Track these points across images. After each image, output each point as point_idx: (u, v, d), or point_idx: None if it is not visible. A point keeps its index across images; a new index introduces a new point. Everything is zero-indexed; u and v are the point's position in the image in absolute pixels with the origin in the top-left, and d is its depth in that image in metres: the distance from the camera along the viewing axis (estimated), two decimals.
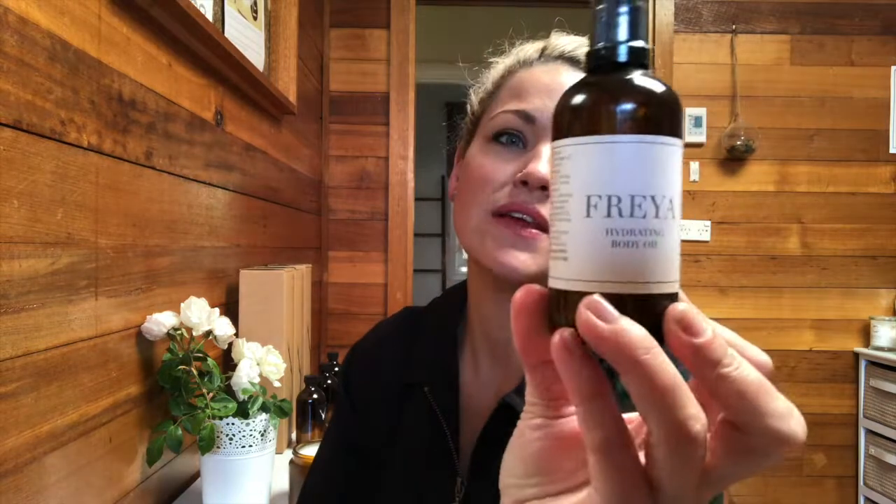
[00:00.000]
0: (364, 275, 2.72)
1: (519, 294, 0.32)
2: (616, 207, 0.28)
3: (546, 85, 0.65)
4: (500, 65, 0.71)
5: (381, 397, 0.76)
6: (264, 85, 1.62)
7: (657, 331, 0.28)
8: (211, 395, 1.11)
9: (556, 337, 0.29)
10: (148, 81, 1.08)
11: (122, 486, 1.03)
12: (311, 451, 1.17)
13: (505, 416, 0.65)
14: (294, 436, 1.56)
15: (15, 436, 0.76)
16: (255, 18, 1.73)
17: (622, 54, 0.30)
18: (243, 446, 1.13)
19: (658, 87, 0.30)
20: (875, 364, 2.66)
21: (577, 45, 0.68)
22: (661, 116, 0.29)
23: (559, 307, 0.30)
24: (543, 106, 0.64)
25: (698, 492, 0.29)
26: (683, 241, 2.74)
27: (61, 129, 0.84)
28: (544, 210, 0.61)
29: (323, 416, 1.53)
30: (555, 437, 0.33)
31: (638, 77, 0.30)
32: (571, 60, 0.67)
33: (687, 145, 2.76)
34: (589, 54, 0.31)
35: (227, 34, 1.48)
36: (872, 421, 2.66)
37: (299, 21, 2.00)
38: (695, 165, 2.77)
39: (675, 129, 0.29)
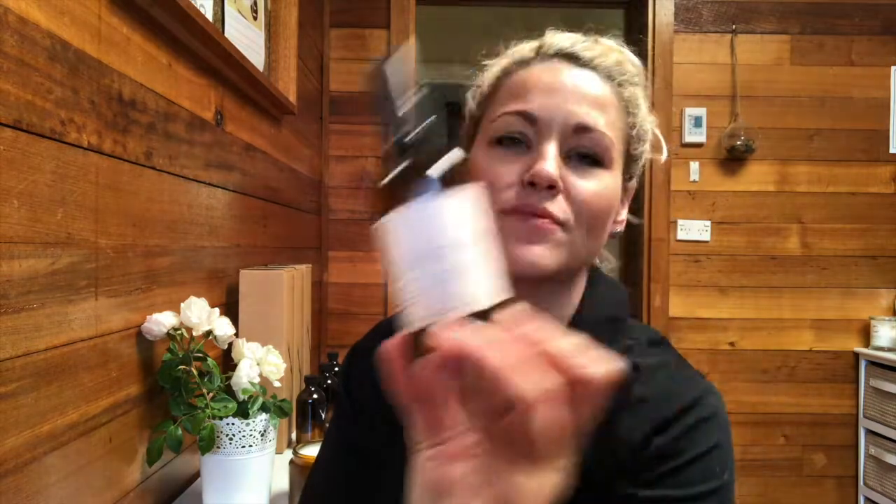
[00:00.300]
0: (364, 275, 2.71)
1: (386, 344, 0.40)
2: (430, 256, 0.36)
3: (546, 83, 0.65)
4: (496, 66, 0.70)
5: (381, 398, 0.76)
6: (264, 85, 1.62)
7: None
8: (211, 395, 1.11)
9: (420, 364, 0.37)
10: (148, 81, 1.08)
11: (122, 486, 1.03)
12: (311, 451, 1.17)
13: None
14: (294, 436, 1.56)
15: (15, 436, 0.76)
16: (255, 18, 1.73)
17: (406, 146, 0.39)
18: (243, 446, 1.13)
19: (439, 164, 0.38)
20: (875, 364, 2.66)
21: (573, 41, 0.67)
22: (442, 181, 0.37)
23: (419, 342, 0.38)
24: (545, 105, 0.63)
25: (561, 439, 0.36)
26: (684, 240, 2.76)
27: (61, 129, 0.84)
28: (554, 208, 0.61)
29: (323, 416, 1.53)
30: (446, 456, 0.38)
31: (425, 159, 0.39)
32: (569, 57, 0.66)
33: (687, 145, 2.76)
34: (383, 151, 0.41)
35: (227, 34, 1.48)
36: (872, 421, 2.66)
37: (299, 21, 2.00)
38: (695, 165, 2.77)
39: (452, 185, 0.38)
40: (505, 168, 0.63)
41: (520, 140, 0.64)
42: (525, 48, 0.69)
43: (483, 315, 0.36)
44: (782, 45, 2.77)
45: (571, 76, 0.65)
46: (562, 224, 0.62)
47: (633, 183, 0.72)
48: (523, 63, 0.68)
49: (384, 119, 0.39)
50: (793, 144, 2.78)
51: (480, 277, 0.36)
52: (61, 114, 0.84)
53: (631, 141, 0.68)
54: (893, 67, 2.76)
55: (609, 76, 0.66)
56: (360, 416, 0.77)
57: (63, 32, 0.84)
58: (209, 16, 1.38)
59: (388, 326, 0.82)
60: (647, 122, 0.70)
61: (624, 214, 0.72)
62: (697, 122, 2.75)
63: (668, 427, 0.60)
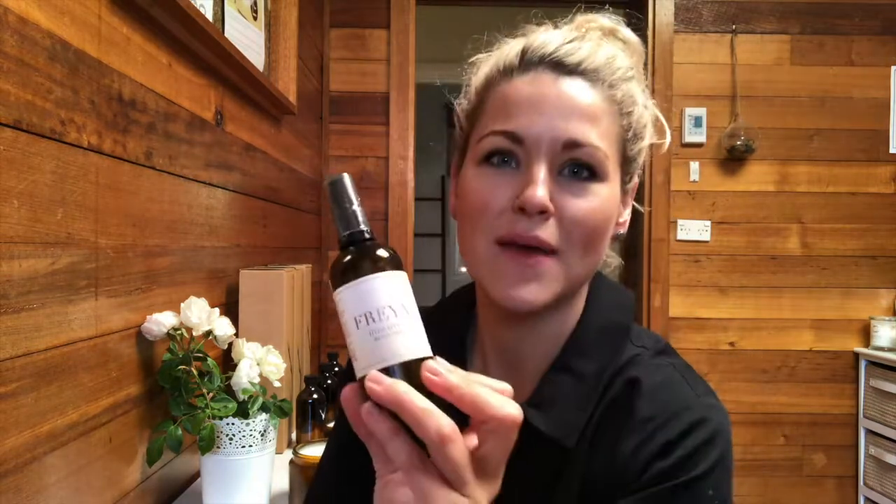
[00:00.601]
0: None
1: (343, 391, 0.47)
2: (370, 318, 0.46)
3: (531, 99, 0.62)
4: (481, 71, 0.68)
5: None
6: (264, 85, 1.62)
7: (418, 381, 0.45)
8: (211, 395, 1.11)
9: (363, 408, 0.45)
10: (148, 81, 1.08)
11: (122, 486, 1.03)
12: (311, 451, 1.17)
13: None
14: (294, 436, 1.56)
15: (15, 436, 0.76)
16: (255, 18, 1.73)
17: (354, 238, 0.50)
18: (243, 446, 1.13)
19: (378, 252, 0.49)
20: (875, 364, 2.66)
21: (558, 42, 0.64)
22: (377, 263, 0.48)
23: (363, 390, 0.46)
24: (531, 123, 0.61)
25: (482, 474, 0.45)
26: (684, 241, 2.76)
27: (61, 129, 0.84)
28: (545, 233, 0.60)
29: (323, 416, 1.53)
30: (393, 483, 0.45)
31: (359, 246, 0.50)
32: (553, 65, 0.63)
33: (687, 145, 2.76)
34: (340, 239, 0.51)
35: (227, 34, 1.48)
36: (872, 421, 2.66)
37: (299, 21, 2.00)
38: (695, 165, 2.77)
39: (392, 267, 0.48)
40: (495, 190, 0.62)
41: (509, 158, 0.62)
42: (509, 53, 0.66)
43: (410, 366, 0.46)
44: (782, 45, 2.77)
45: (557, 89, 0.62)
46: (555, 251, 0.61)
47: (635, 181, 0.70)
48: (507, 72, 0.65)
49: (338, 219, 0.51)
50: (793, 144, 2.77)
51: (407, 337, 0.46)
52: (61, 114, 0.84)
53: (627, 143, 0.66)
54: (893, 67, 2.76)
55: (599, 79, 0.63)
56: None
57: (63, 32, 0.84)
58: (209, 16, 1.38)
59: None
60: (645, 114, 0.68)
61: (626, 215, 0.70)
62: (697, 122, 2.75)
63: (670, 451, 0.60)
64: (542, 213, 0.60)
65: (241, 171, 1.60)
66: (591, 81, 0.63)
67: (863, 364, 2.73)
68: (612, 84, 0.64)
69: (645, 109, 0.68)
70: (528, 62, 0.64)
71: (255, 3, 1.73)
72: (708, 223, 2.78)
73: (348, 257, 0.49)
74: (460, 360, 0.72)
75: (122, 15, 1.00)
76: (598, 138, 0.62)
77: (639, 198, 0.73)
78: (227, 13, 1.50)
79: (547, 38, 0.64)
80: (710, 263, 2.79)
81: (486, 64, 0.68)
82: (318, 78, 2.62)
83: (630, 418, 0.62)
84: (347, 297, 0.48)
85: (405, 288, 0.48)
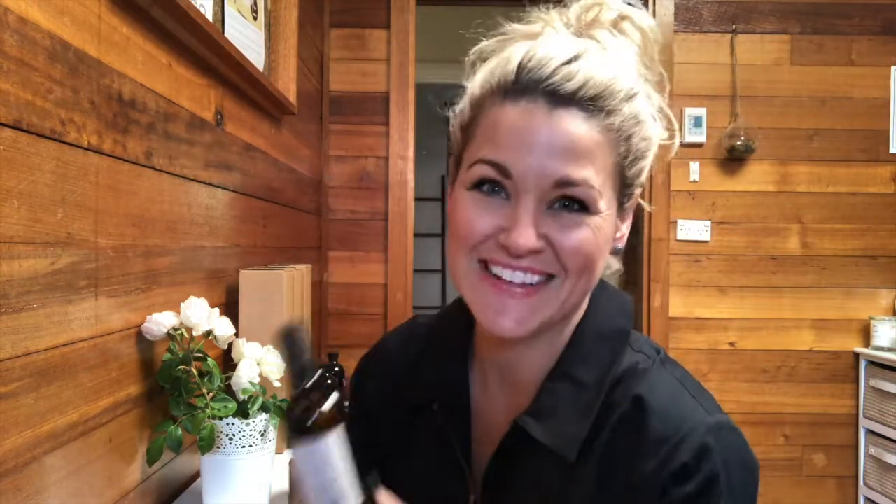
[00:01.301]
0: (364, 275, 2.71)
1: None
2: (320, 487, 0.53)
3: (520, 132, 0.59)
4: (478, 78, 0.64)
5: (391, 414, 0.76)
6: (264, 85, 1.62)
7: None
8: (211, 395, 1.11)
9: None
10: (148, 81, 1.08)
11: (122, 486, 1.03)
12: None
13: (518, 438, 0.64)
14: None
15: (15, 436, 0.76)
16: (255, 18, 1.73)
17: (308, 425, 0.54)
18: (243, 446, 1.13)
19: (323, 407, 0.54)
20: (875, 364, 2.66)
21: (556, 65, 0.58)
22: (324, 423, 0.54)
23: None
24: (520, 159, 0.58)
25: None
26: (684, 241, 2.76)
27: (61, 129, 0.84)
28: (539, 264, 0.60)
29: None
30: None
31: (305, 409, 0.54)
32: (548, 94, 0.58)
33: (687, 145, 2.76)
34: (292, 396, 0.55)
35: (227, 34, 1.48)
36: (872, 421, 2.66)
37: (299, 21, 2.00)
38: (695, 165, 2.77)
39: (333, 424, 0.54)
40: (482, 217, 0.61)
41: (498, 187, 0.61)
42: (507, 65, 0.61)
43: None
44: (782, 45, 2.77)
45: (549, 123, 0.58)
46: (551, 275, 0.61)
47: (635, 197, 0.67)
48: (502, 91, 0.61)
49: (291, 370, 0.54)
50: (793, 144, 2.77)
51: (350, 495, 0.54)
52: (61, 114, 0.84)
53: (625, 168, 0.63)
54: (893, 67, 2.76)
55: (597, 108, 0.59)
56: (371, 424, 0.79)
57: (63, 32, 0.84)
58: (209, 16, 1.38)
59: (396, 340, 0.83)
60: (650, 125, 0.64)
61: (625, 229, 0.68)
62: (697, 122, 2.75)
63: (689, 475, 0.58)
64: (532, 252, 0.59)
65: (241, 171, 1.60)
66: (588, 112, 0.59)
67: (863, 364, 2.73)
68: (611, 111, 0.59)
69: (650, 125, 0.64)
70: (524, 84, 0.60)
71: (255, 3, 1.73)
72: (708, 223, 2.78)
73: (298, 415, 0.54)
74: (461, 373, 0.72)
75: (122, 15, 1.00)
76: (592, 175, 0.59)
77: (640, 197, 0.70)
78: (227, 13, 1.50)
79: (546, 54, 0.59)
80: (710, 263, 2.79)
81: (483, 71, 0.64)
82: (318, 78, 2.62)
83: (642, 438, 0.60)
84: (299, 462, 0.54)
85: (339, 445, 0.54)
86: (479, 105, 0.64)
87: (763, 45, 2.77)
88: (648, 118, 0.63)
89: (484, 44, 0.67)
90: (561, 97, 0.58)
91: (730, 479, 0.58)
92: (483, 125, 0.62)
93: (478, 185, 0.61)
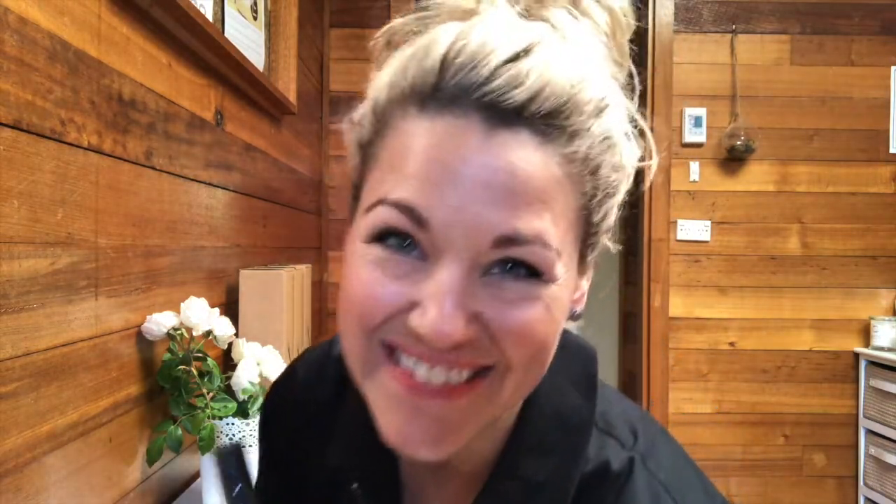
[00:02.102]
0: None
1: None
2: None
3: (444, 163, 0.39)
4: (382, 78, 0.44)
5: (306, 477, 0.60)
6: (264, 85, 1.62)
7: None
8: (211, 395, 1.11)
9: None
10: (148, 81, 1.08)
11: (122, 486, 1.03)
12: None
13: None
14: None
15: (15, 436, 0.76)
16: (255, 18, 1.73)
17: None
18: (243, 446, 1.13)
19: None
20: (875, 364, 2.66)
21: (497, 63, 0.38)
22: None
23: None
24: (439, 204, 0.39)
25: None
26: (684, 241, 2.76)
27: (61, 129, 0.84)
28: (469, 356, 0.41)
29: None
30: None
31: None
32: (485, 107, 0.39)
33: (687, 145, 2.76)
34: None
35: (227, 34, 1.48)
36: (872, 421, 2.66)
37: (299, 21, 2.00)
38: (695, 165, 2.77)
39: None
40: (386, 290, 0.41)
41: (408, 241, 0.41)
42: (427, 55, 0.41)
43: None
44: (782, 45, 2.77)
45: (487, 151, 0.38)
46: (487, 367, 0.42)
47: (598, 249, 0.47)
48: (417, 94, 0.41)
49: (224, 486, 0.50)
50: (793, 144, 2.77)
51: None
52: (61, 114, 0.84)
53: (592, 213, 0.44)
54: (893, 67, 2.76)
55: (555, 127, 0.40)
56: (282, 478, 0.64)
57: (63, 32, 0.84)
58: (209, 16, 1.38)
59: (312, 378, 0.63)
60: (624, 153, 0.44)
61: (585, 286, 0.49)
62: (697, 122, 2.75)
63: None
64: (455, 347, 0.39)
65: (241, 171, 1.60)
66: (543, 136, 0.39)
67: (863, 364, 2.73)
68: (574, 133, 0.40)
69: (625, 140, 0.44)
70: (449, 91, 0.40)
71: (255, 3, 1.73)
72: (708, 223, 2.78)
73: None
74: (385, 448, 0.44)
75: (122, 15, 1.00)
76: (548, 227, 0.40)
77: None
78: (227, 13, 1.50)
79: (482, 45, 0.39)
80: (710, 263, 2.79)
81: (392, 65, 0.44)
82: (318, 78, 2.62)
83: None
84: None
85: None
86: (383, 114, 0.43)
87: (763, 45, 2.77)
88: (622, 138, 0.44)
89: (397, 21, 0.47)
90: (503, 112, 0.39)
91: None
92: (389, 146, 0.42)
93: (380, 237, 0.41)
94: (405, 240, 0.41)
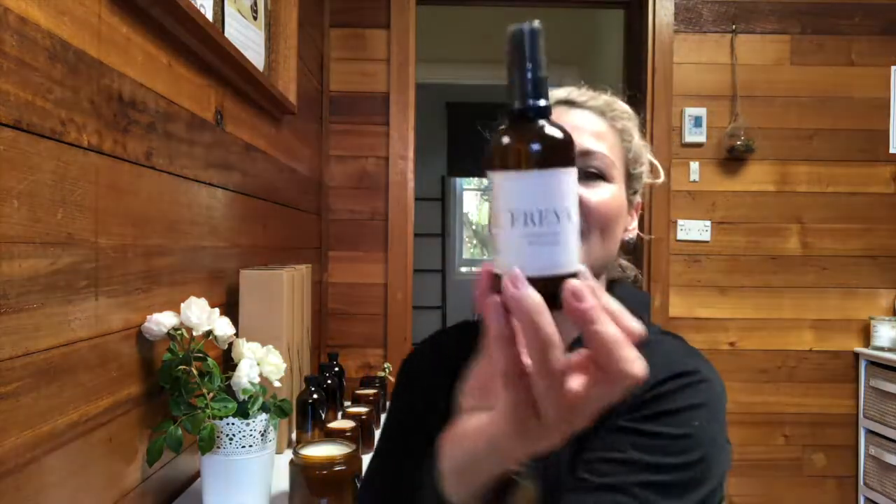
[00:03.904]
0: (364, 275, 2.71)
1: (482, 270, 0.44)
2: (530, 219, 0.41)
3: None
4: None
5: (441, 386, 0.78)
6: (264, 85, 1.62)
7: (557, 298, 0.41)
8: (211, 395, 1.11)
9: (490, 301, 0.42)
10: (148, 81, 1.08)
11: (122, 486, 1.03)
12: (311, 451, 1.17)
13: None
14: (294, 436, 1.56)
15: (15, 436, 0.76)
16: (255, 18, 1.73)
17: (531, 115, 0.42)
18: (243, 446, 1.13)
19: (553, 133, 0.42)
20: (875, 364, 2.66)
21: (568, 91, 0.82)
22: (554, 155, 0.41)
23: (496, 284, 0.43)
24: None
25: (570, 415, 0.41)
26: (684, 240, 2.76)
27: (61, 129, 0.84)
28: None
29: (323, 415, 1.53)
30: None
31: (536, 128, 0.42)
32: (567, 102, 0.81)
33: (687, 145, 2.76)
34: (508, 112, 0.43)
35: (227, 34, 1.48)
36: (872, 421, 2.66)
37: (299, 21, 1.99)
38: (695, 165, 2.77)
39: (566, 162, 0.41)
40: None
41: None
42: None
43: (554, 282, 0.41)
44: (782, 45, 2.77)
45: (572, 115, 0.79)
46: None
47: (638, 198, 0.84)
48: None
49: (516, 82, 0.42)
50: (793, 144, 2.77)
51: (560, 250, 0.41)
52: (61, 114, 0.84)
53: (629, 162, 0.81)
54: (893, 67, 2.76)
55: (602, 113, 0.80)
56: (423, 398, 0.82)
57: (63, 32, 0.84)
58: (209, 16, 1.38)
59: (444, 337, 0.90)
60: (642, 147, 0.83)
61: (634, 224, 0.83)
62: (697, 122, 2.75)
63: (654, 388, 0.69)
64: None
65: (241, 171, 1.60)
66: (597, 114, 0.80)
67: (863, 364, 2.73)
68: (613, 118, 0.81)
69: (641, 146, 0.83)
70: (560, 103, 0.81)
71: (255, 3, 1.73)
72: (708, 223, 2.78)
73: (521, 138, 0.41)
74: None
75: (122, 15, 1.00)
76: (606, 149, 0.77)
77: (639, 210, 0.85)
78: (227, 13, 1.50)
79: (560, 90, 0.82)
80: (710, 263, 2.79)
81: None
82: (318, 78, 2.62)
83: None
84: (508, 188, 0.41)
85: (573, 188, 0.42)
86: None
87: (763, 45, 2.76)
88: (641, 146, 0.83)
89: None
90: (576, 104, 0.81)
91: (694, 399, 0.69)
92: None
93: None
94: None
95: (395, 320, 2.70)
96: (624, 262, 0.89)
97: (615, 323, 0.40)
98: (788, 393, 2.77)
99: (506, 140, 0.41)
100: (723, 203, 2.78)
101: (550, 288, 0.41)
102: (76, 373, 0.88)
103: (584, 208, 0.71)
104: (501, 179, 0.41)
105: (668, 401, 0.69)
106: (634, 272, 0.90)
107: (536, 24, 0.41)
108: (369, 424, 1.59)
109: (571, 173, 0.41)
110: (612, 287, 0.82)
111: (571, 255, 0.42)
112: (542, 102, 0.41)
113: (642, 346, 0.65)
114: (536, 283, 0.40)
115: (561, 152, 0.41)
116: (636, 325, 0.41)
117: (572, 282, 0.40)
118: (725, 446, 0.71)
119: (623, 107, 0.84)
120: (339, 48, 2.71)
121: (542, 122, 0.41)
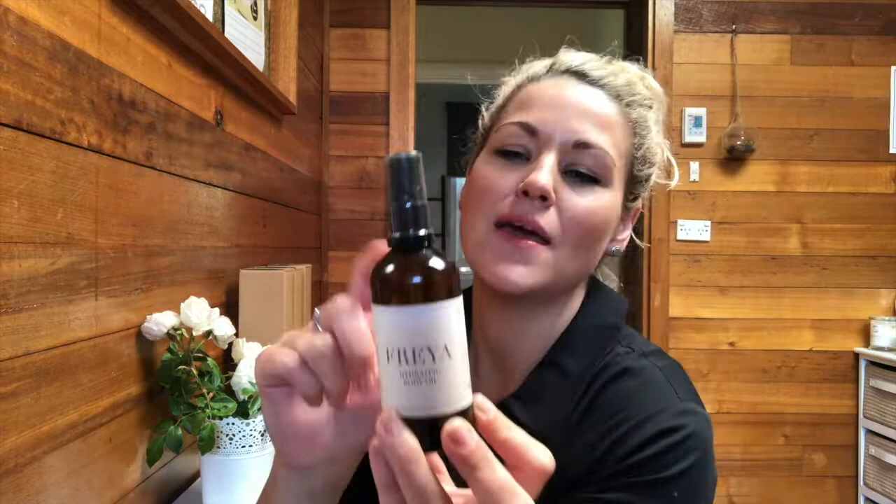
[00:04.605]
0: None
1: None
2: (402, 356, 0.38)
3: (551, 97, 0.66)
4: (511, 81, 0.72)
5: None
6: (264, 85, 1.62)
7: (435, 440, 0.37)
8: (211, 395, 1.11)
9: (371, 443, 0.38)
10: (148, 81, 1.08)
11: (122, 486, 1.03)
12: None
13: None
14: None
15: (15, 436, 0.76)
16: (255, 18, 1.73)
17: (406, 245, 0.39)
18: (243, 446, 1.13)
19: (431, 265, 0.38)
20: (875, 364, 2.66)
21: (585, 59, 0.69)
22: (429, 288, 0.38)
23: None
24: (547, 118, 0.65)
25: None
26: (684, 241, 2.76)
27: (61, 129, 0.84)
28: (544, 220, 0.62)
29: None
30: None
31: (411, 260, 0.39)
32: (578, 74, 0.68)
33: (687, 145, 2.76)
34: (388, 240, 0.40)
35: (227, 34, 1.48)
36: (872, 421, 2.66)
37: (299, 21, 2.00)
38: (695, 165, 2.77)
39: (445, 294, 0.38)
40: (503, 176, 0.64)
41: (521, 153, 0.65)
42: (538, 65, 0.71)
43: (431, 423, 0.38)
44: (782, 45, 2.77)
45: (577, 92, 0.66)
46: (549, 241, 0.63)
47: (638, 204, 0.73)
48: (535, 78, 0.70)
49: (393, 212, 0.40)
50: (793, 144, 2.77)
51: (437, 389, 0.38)
52: (61, 114, 0.84)
53: (635, 162, 0.69)
54: (893, 67, 2.76)
55: (617, 96, 0.67)
56: None
57: (63, 32, 0.84)
58: (209, 16, 1.38)
59: None
60: (657, 145, 0.71)
61: (626, 234, 0.72)
62: (697, 122, 2.75)
63: (641, 451, 0.59)
64: (544, 199, 0.61)
65: (241, 171, 1.60)
66: (611, 96, 0.67)
67: (863, 364, 2.73)
68: (629, 103, 0.68)
69: (657, 141, 0.71)
70: (555, 71, 0.69)
71: (255, 3, 1.73)
72: (708, 223, 2.78)
73: (393, 271, 0.39)
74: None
75: (122, 15, 1.00)
76: (609, 145, 0.65)
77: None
78: (227, 13, 1.50)
79: (574, 55, 0.70)
80: (710, 263, 2.79)
81: (515, 75, 0.72)
82: (318, 78, 2.62)
83: (608, 418, 0.62)
84: (381, 322, 0.39)
85: (453, 322, 0.39)
86: (512, 93, 0.71)
87: (763, 45, 2.77)
88: (656, 144, 0.71)
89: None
90: (588, 78, 0.67)
91: (682, 464, 0.58)
92: (515, 101, 0.69)
93: (501, 150, 0.66)
94: (517, 151, 0.65)
95: None
96: (606, 271, 0.80)
97: (517, 458, 0.38)
98: (788, 393, 2.77)
99: (382, 272, 0.39)
100: (723, 203, 2.78)
101: (429, 429, 0.38)
102: (76, 373, 0.88)
103: (564, 214, 0.62)
104: (378, 312, 0.39)
105: (648, 470, 0.58)
106: (616, 284, 0.81)
107: (414, 153, 0.40)
108: None
109: (451, 305, 0.38)
110: (590, 294, 0.72)
111: (453, 392, 0.38)
112: (422, 232, 0.39)
113: (620, 375, 0.66)
114: (414, 424, 0.38)
115: (438, 285, 0.38)
116: (544, 460, 0.38)
117: (453, 423, 0.37)
118: (708, 494, 0.62)
119: (646, 91, 0.70)
120: (339, 48, 2.71)
121: (419, 252, 0.39)
